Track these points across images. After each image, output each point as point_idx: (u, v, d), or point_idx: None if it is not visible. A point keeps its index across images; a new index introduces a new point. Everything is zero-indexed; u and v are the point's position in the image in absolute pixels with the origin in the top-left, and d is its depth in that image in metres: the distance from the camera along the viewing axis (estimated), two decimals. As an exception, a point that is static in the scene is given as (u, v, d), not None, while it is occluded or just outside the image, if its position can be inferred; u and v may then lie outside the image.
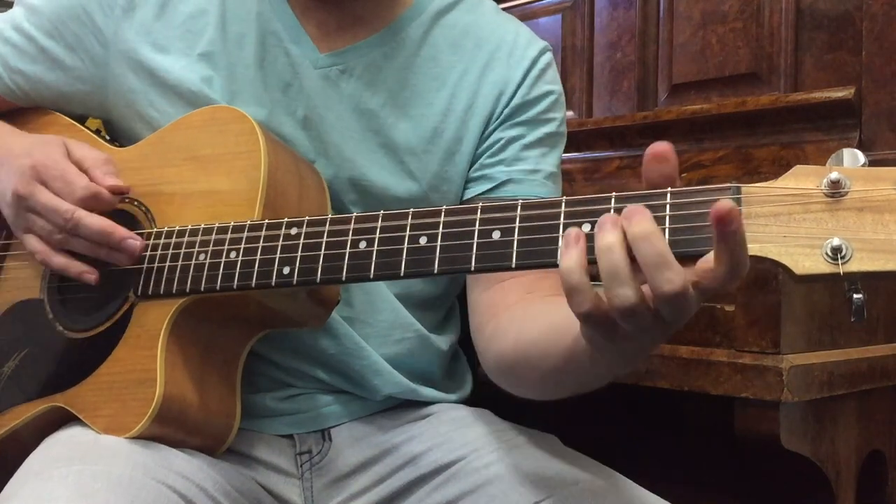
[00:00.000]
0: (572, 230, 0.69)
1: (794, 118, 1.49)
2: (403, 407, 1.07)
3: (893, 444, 1.36)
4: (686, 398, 1.18)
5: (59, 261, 0.94)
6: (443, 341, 1.11)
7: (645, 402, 1.28)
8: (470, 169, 1.06)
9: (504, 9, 1.16)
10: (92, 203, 0.93)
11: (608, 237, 0.66)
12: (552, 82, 1.09)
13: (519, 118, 1.06)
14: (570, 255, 0.67)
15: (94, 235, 0.92)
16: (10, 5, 1.13)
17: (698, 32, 1.69)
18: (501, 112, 1.06)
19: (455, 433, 1.01)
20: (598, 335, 0.70)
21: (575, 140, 1.71)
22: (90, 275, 0.94)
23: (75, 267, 0.94)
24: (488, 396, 1.14)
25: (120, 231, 0.92)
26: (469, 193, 1.06)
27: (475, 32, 1.08)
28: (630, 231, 0.65)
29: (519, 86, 1.06)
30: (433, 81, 1.05)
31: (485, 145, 1.06)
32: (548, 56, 1.10)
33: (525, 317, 0.92)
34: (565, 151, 1.12)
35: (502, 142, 1.05)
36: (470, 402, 1.13)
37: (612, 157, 1.71)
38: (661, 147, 0.68)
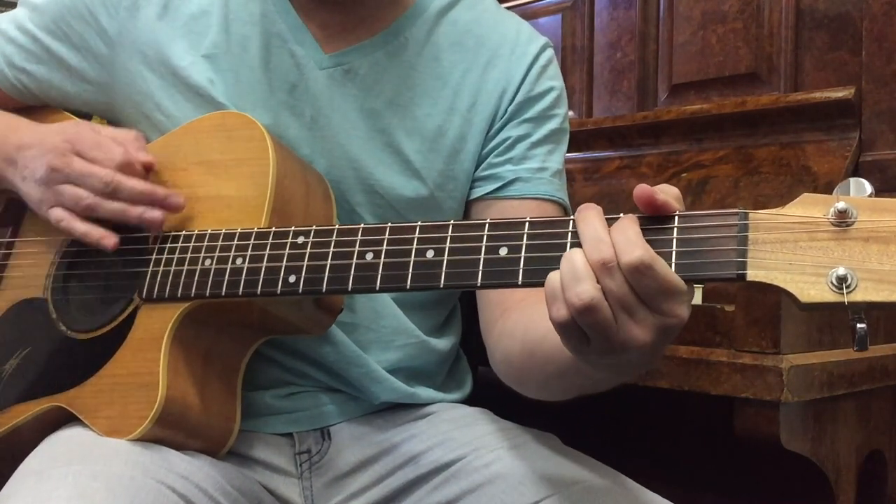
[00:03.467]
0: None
1: (794, 118, 1.49)
2: (403, 406, 1.07)
3: (893, 444, 1.36)
4: (686, 398, 1.18)
5: (82, 227, 0.95)
6: (444, 344, 1.11)
7: (645, 402, 1.28)
8: (477, 168, 1.07)
9: (504, 9, 1.17)
10: (127, 171, 0.94)
11: (573, 249, 0.71)
12: (554, 78, 1.10)
13: (524, 115, 1.06)
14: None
15: (136, 195, 0.93)
16: (13, 5, 1.12)
17: (698, 32, 1.69)
18: (506, 110, 1.06)
19: (455, 432, 1.01)
20: (571, 346, 0.73)
21: (575, 140, 1.71)
22: (110, 239, 0.94)
23: (97, 232, 0.94)
24: (488, 396, 1.14)
25: (161, 189, 0.94)
26: (477, 192, 1.07)
27: (476, 30, 1.08)
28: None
29: (522, 82, 1.07)
30: (436, 81, 1.05)
31: (492, 144, 1.06)
32: (549, 52, 1.11)
33: (532, 317, 0.91)
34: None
35: (510, 140, 1.06)
36: (470, 402, 1.13)
37: (612, 157, 1.72)
38: (642, 192, 0.71)
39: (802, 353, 1.14)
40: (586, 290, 0.68)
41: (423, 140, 1.04)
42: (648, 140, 1.67)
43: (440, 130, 1.05)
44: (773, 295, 1.11)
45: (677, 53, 1.72)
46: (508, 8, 1.92)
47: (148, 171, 0.96)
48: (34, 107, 1.10)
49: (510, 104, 1.06)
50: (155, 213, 0.93)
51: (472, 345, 1.21)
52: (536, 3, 1.97)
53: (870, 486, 1.33)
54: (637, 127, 1.67)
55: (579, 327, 0.70)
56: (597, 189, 1.68)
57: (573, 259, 0.70)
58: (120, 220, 0.94)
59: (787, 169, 1.47)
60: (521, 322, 0.93)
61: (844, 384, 1.19)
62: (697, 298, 1.25)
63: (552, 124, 1.08)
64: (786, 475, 1.33)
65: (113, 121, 1.09)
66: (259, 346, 0.98)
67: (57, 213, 0.95)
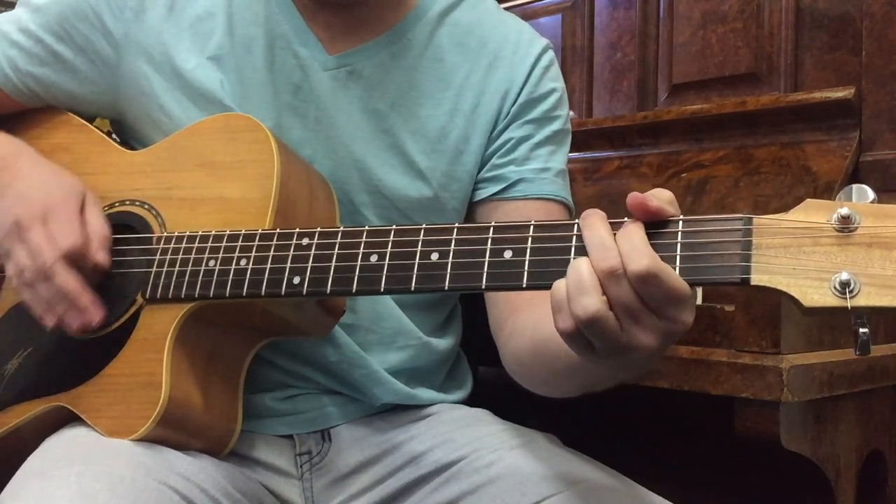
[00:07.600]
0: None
1: (794, 118, 1.49)
2: (404, 407, 1.08)
3: (893, 444, 1.36)
4: (686, 398, 1.18)
5: (28, 295, 0.93)
6: (444, 344, 1.11)
7: (645, 402, 1.28)
8: (481, 170, 1.08)
9: (504, 9, 1.17)
10: (75, 259, 0.91)
11: (579, 258, 0.71)
12: (556, 79, 1.11)
13: (526, 117, 1.07)
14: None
15: (62, 291, 0.90)
16: (12, 5, 1.12)
17: (698, 32, 1.69)
18: (509, 111, 1.07)
19: (455, 433, 1.01)
20: (577, 351, 0.74)
21: (575, 140, 1.70)
22: (50, 319, 0.92)
23: (41, 306, 0.92)
24: (488, 396, 1.14)
25: (87, 297, 0.91)
26: (482, 194, 1.07)
27: (478, 31, 1.09)
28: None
29: (524, 84, 1.08)
30: (439, 82, 1.06)
31: (495, 145, 1.07)
32: (550, 53, 1.12)
33: (540, 316, 0.92)
34: (564, 151, 1.13)
35: (512, 142, 1.07)
36: (470, 402, 1.13)
37: (612, 157, 1.71)
38: (634, 199, 0.72)
39: (802, 353, 1.14)
40: (591, 302, 0.69)
41: (426, 141, 1.05)
42: (648, 140, 1.67)
43: (444, 131, 1.05)
44: (773, 295, 1.11)
45: (677, 53, 1.72)
46: (508, 8, 1.92)
47: (101, 270, 0.93)
48: (40, 109, 1.09)
49: (513, 105, 1.07)
50: (73, 320, 0.91)
51: (473, 345, 1.21)
52: (536, 3, 1.97)
53: (870, 486, 1.33)
54: (637, 127, 1.67)
55: (585, 336, 0.71)
56: (597, 189, 1.68)
57: (579, 269, 0.70)
58: (47, 307, 0.92)
59: (787, 169, 1.47)
60: (530, 321, 0.94)
61: (844, 384, 1.20)
62: (697, 299, 1.25)
63: (554, 125, 1.09)
64: (786, 475, 1.33)
65: (119, 121, 1.09)
66: (261, 347, 0.98)
67: (9, 269, 0.94)
